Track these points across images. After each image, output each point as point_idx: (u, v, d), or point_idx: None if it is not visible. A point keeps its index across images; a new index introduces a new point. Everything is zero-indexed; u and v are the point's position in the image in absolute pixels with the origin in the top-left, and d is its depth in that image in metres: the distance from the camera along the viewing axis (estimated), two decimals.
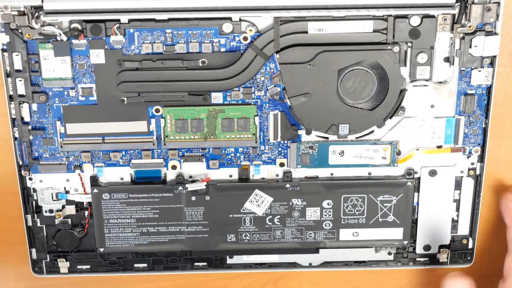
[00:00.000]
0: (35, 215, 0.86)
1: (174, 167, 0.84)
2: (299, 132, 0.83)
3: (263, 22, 0.78)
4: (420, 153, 0.84)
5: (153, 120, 0.82)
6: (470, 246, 0.89)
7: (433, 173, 0.85)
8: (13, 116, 0.81)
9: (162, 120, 0.82)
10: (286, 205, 0.86)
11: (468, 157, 0.85)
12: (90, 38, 0.77)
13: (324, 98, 0.80)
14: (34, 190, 0.85)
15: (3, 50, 0.78)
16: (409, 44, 0.79)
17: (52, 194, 0.86)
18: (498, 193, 0.89)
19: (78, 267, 0.90)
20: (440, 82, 0.81)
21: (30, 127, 0.81)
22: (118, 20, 0.77)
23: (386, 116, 0.81)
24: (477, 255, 0.90)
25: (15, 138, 0.82)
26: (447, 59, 0.80)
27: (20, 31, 0.77)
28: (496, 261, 0.90)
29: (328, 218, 0.87)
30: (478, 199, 0.86)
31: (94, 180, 0.85)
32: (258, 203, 0.86)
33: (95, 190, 0.85)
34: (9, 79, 0.79)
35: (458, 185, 0.86)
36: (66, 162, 0.84)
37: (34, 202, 0.86)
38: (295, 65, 0.79)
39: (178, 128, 0.82)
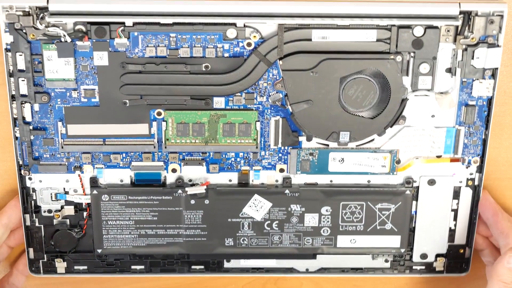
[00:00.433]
0: (34, 214, 0.86)
1: (174, 170, 0.84)
2: (300, 138, 0.83)
3: (267, 29, 0.78)
4: (420, 162, 0.85)
5: (154, 123, 0.82)
6: (466, 255, 0.90)
7: (432, 182, 0.86)
8: (15, 116, 0.81)
9: (164, 123, 0.82)
10: (285, 210, 0.86)
11: (467, 167, 0.85)
12: (94, 40, 0.77)
13: (325, 106, 0.80)
14: (34, 190, 0.85)
15: (7, 50, 0.78)
16: (412, 54, 0.79)
17: (51, 194, 0.86)
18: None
19: (75, 267, 0.90)
20: (442, 93, 0.81)
21: (31, 127, 0.81)
22: (123, 23, 0.77)
23: (387, 125, 0.82)
24: (473, 265, 0.91)
25: (16, 138, 0.82)
26: (449, 70, 0.80)
27: (24, 31, 0.77)
28: None
29: (327, 224, 0.87)
30: (476, 209, 0.87)
31: (93, 182, 0.85)
32: (257, 208, 0.86)
33: (95, 192, 0.85)
34: (12, 79, 0.79)
35: (456, 195, 0.87)
36: (66, 163, 0.84)
37: (33, 202, 0.85)
38: (298, 72, 0.79)
39: (179, 132, 0.82)
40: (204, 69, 0.79)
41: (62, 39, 0.77)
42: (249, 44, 0.78)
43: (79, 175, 0.85)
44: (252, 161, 0.85)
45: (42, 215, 0.86)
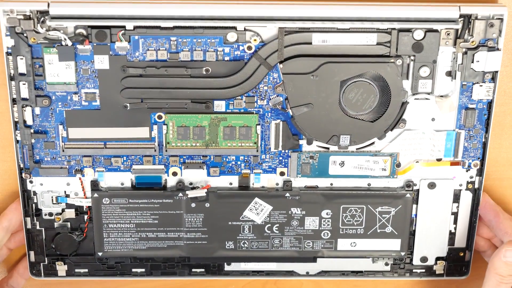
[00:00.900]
0: (35, 218, 0.86)
1: (174, 174, 0.85)
2: (300, 142, 0.83)
3: (267, 32, 0.78)
4: (420, 166, 0.85)
5: (155, 127, 0.82)
6: (466, 258, 0.90)
7: (432, 185, 0.86)
8: (16, 119, 0.81)
9: (164, 127, 0.82)
10: (285, 214, 0.87)
11: (467, 171, 0.85)
12: (95, 44, 0.78)
13: (326, 109, 0.81)
14: (35, 193, 0.85)
15: (8, 54, 0.78)
16: (412, 58, 0.79)
17: (52, 197, 0.86)
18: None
19: (76, 270, 0.90)
20: (442, 96, 0.81)
21: (32, 131, 0.81)
22: (124, 27, 0.77)
23: (387, 128, 0.82)
24: (473, 268, 0.91)
25: (17, 141, 0.82)
26: (449, 73, 0.80)
27: (25, 35, 0.77)
28: None
29: (327, 227, 0.87)
30: (476, 212, 0.87)
31: (94, 185, 0.85)
32: (258, 211, 0.86)
33: (95, 195, 0.85)
34: (13, 83, 0.79)
35: (456, 198, 0.87)
36: (67, 166, 0.84)
37: (34, 205, 0.86)
38: (298, 76, 0.79)
39: (180, 135, 0.82)
40: (204, 72, 0.79)
41: (63, 43, 0.77)
42: (249, 48, 0.79)
43: (80, 178, 0.85)
44: (253, 165, 0.85)
45: (43, 218, 0.87)
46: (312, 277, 0.91)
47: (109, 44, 0.78)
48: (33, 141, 0.82)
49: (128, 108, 0.81)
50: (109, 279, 0.91)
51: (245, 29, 0.78)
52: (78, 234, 0.88)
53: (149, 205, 0.85)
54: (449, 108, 0.82)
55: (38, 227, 0.87)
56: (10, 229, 0.85)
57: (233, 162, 0.85)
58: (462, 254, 0.90)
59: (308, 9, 0.76)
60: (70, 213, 0.87)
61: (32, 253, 0.88)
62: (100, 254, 0.88)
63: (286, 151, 0.84)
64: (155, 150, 0.83)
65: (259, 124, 0.82)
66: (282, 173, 0.85)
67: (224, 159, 0.84)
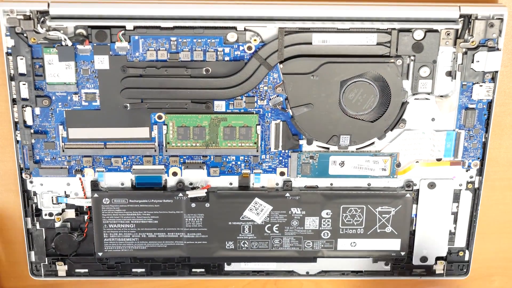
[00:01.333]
0: (35, 218, 0.86)
1: (175, 174, 0.85)
2: (300, 142, 0.83)
3: (267, 32, 0.78)
4: (420, 166, 0.85)
5: (155, 127, 0.82)
6: (466, 258, 0.90)
7: (432, 185, 0.86)
8: (16, 120, 0.81)
9: (165, 127, 0.82)
10: (285, 214, 0.87)
11: (467, 171, 0.85)
12: (95, 44, 0.78)
13: (326, 109, 0.81)
14: (35, 193, 0.85)
15: (8, 54, 0.78)
16: (412, 58, 0.79)
17: (52, 197, 0.86)
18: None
19: (76, 270, 0.90)
20: (442, 96, 0.81)
21: (32, 131, 0.81)
22: (124, 27, 0.77)
23: (387, 128, 0.82)
24: (473, 268, 0.91)
25: (17, 141, 0.82)
26: (449, 73, 0.80)
27: (25, 35, 0.77)
28: (492, 274, 0.91)
29: (327, 227, 0.88)
30: (476, 212, 0.87)
31: (94, 185, 0.85)
32: (258, 211, 0.86)
33: (96, 195, 0.85)
34: (13, 83, 0.79)
35: (456, 198, 0.87)
36: (67, 166, 0.84)
37: (34, 205, 0.86)
38: (298, 76, 0.79)
39: (180, 135, 0.82)
40: (204, 72, 0.79)
41: (63, 43, 0.77)
42: (249, 48, 0.79)
43: (80, 179, 0.85)
44: (253, 165, 0.85)
45: (43, 218, 0.87)
46: (312, 277, 0.91)
47: (109, 44, 0.78)
48: (33, 141, 0.82)
49: (128, 108, 0.81)
50: (109, 279, 0.91)
51: (245, 29, 0.78)
52: (78, 234, 0.88)
53: (149, 205, 0.85)
54: (449, 108, 0.82)
55: (38, 227, 0.87)
56: None
57: (233, 162, 0.85)
58: (462, 254, 0.90)
59: (308, 9, 0.76)
60: (70, 213, 0.87)
61: (32, 253, 0.88)
62: (100, 254, 0.88)
63: (286, 151, 0.84)
64: (155, 150, 0.83)
65: (259, 124, 0.82)
66: (282, 173, 0.85)
67: (224, 159, 0.84)
